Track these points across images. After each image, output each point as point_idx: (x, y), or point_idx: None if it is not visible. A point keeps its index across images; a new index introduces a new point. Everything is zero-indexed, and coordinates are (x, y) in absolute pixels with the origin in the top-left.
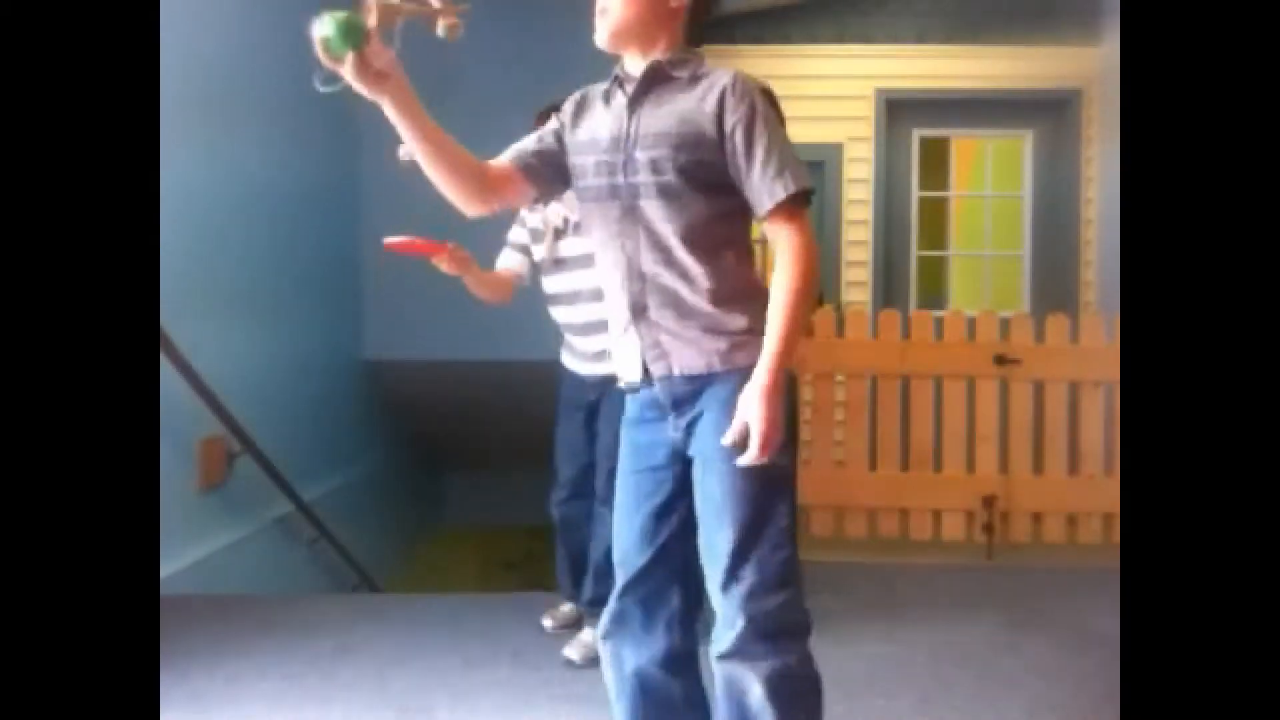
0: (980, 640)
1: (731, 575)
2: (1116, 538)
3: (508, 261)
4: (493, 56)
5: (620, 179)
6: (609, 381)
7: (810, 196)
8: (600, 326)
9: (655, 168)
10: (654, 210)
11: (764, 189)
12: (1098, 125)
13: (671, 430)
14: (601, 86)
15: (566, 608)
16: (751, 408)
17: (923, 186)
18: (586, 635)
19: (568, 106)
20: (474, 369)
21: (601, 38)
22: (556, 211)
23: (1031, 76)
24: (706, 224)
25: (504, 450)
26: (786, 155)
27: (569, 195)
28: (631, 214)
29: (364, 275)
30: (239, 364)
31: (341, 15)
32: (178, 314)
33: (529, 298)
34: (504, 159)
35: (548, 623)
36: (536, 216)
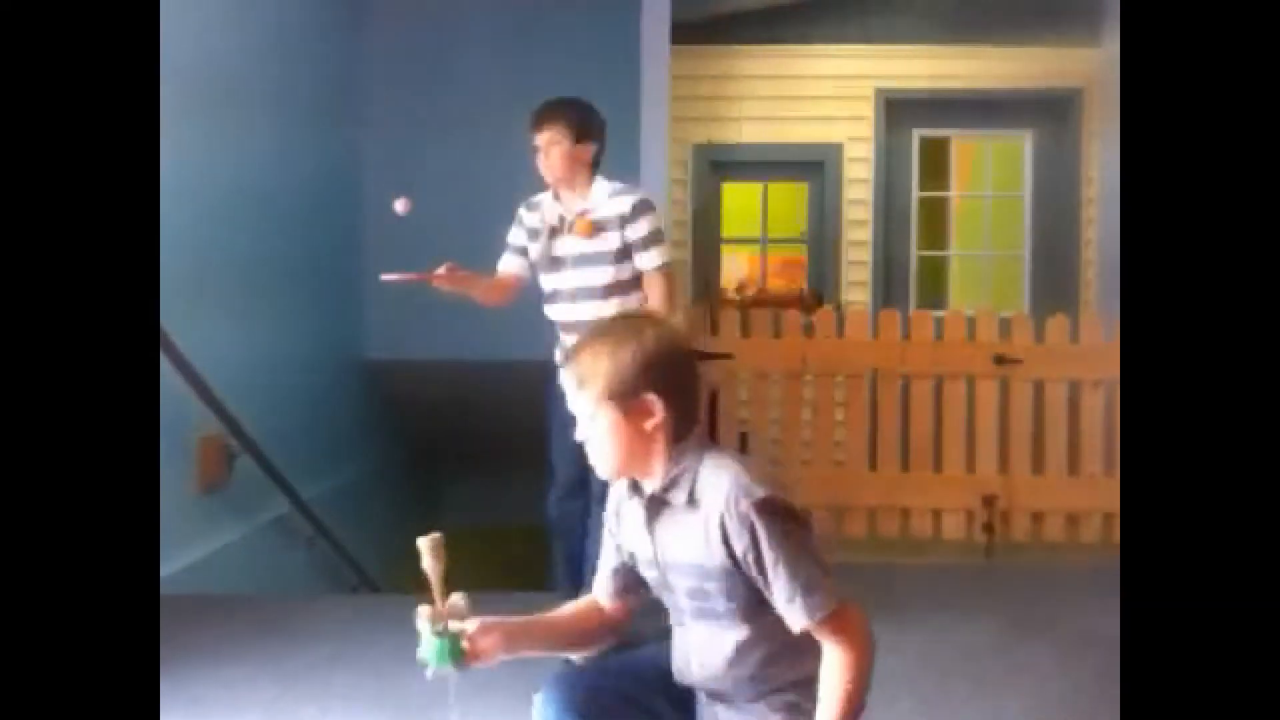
0: (980, 640)
1: None
2: (1116, 538)
3: (508, 265)
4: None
5: (666, 595)
6: None
7: (847, 609)
8: None
9: (691, 594)
10: (703, 630)
11: (794, 616)
12: (1098, 125)
13: None
14: None
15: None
16: None
17: (923, 186)
18: None
19: (610, 514)
20: (474, 369)
21: (603, 473)
22: (553, 210)
23: (1031, 76)
24: (757, 636)
25: (504, 450)
26: (804, 572)
27: (565, 194)
28: (685, 626)
29: (364, 275)
30: (239, 364)
31: (436, 641)
32: (178, 314)
33: (529, 298)
34: (598, 597)
35: None
36: (535, 215)
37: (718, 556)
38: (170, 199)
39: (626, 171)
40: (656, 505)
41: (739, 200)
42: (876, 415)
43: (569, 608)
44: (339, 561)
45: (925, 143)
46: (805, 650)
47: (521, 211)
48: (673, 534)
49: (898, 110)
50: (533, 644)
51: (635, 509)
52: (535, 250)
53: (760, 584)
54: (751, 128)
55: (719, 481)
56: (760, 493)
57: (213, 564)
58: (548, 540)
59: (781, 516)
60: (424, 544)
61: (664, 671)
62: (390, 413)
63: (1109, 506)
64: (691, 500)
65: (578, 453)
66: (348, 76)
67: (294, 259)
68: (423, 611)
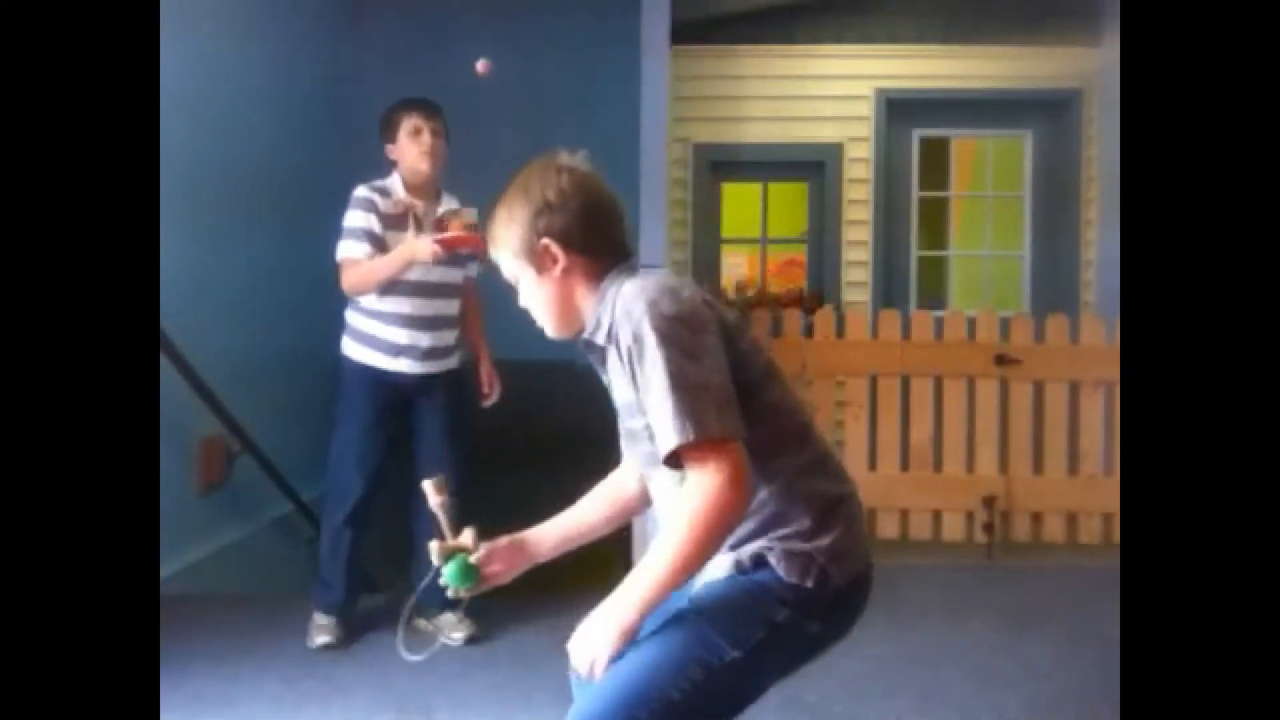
0: (980, 640)
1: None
2: (1116, 538)
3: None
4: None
5: (629, 448)
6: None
7: (708, 433)
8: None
9: (633, 437)
10: (659, 480)
11: (661, 440)
12: (1098, 125)
13: None
14: None
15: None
16: (585, 625)
17: (923, 186)
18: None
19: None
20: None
21: (550, 332)
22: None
23: (1031, 76)
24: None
25: (504, 450)
26: (678, 395)
27: (427, 188)
28: (650, 479)
29: None
30: (239, 364)
31: (457, 563)
32: (178, 314)
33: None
34: (627, 477)
35: (420, 623)
36: (389, 202)
37: (631, 390)
38: (171, 200)
39: (626, 172)
40: (592, 351)
41: (739, 200)
42: (876, 415)
43: (597, 496)
44: None
45: (925, 143)
46: (769, 501)
47: (376, 198)
48: (612, 377)
49: (898, 110)
50: (556, 549)
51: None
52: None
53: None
54: (751, 128)
55: (617, 313)
56: (642, 309)
57: (213, 564)
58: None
59: (664, 334)
60: (427, 485)
61: None
62: None
63: (1109, 506)
64: (609, 336)
65: (367, 461)
66: (344, 77)
67: (295, 259)
68: (433, 546)
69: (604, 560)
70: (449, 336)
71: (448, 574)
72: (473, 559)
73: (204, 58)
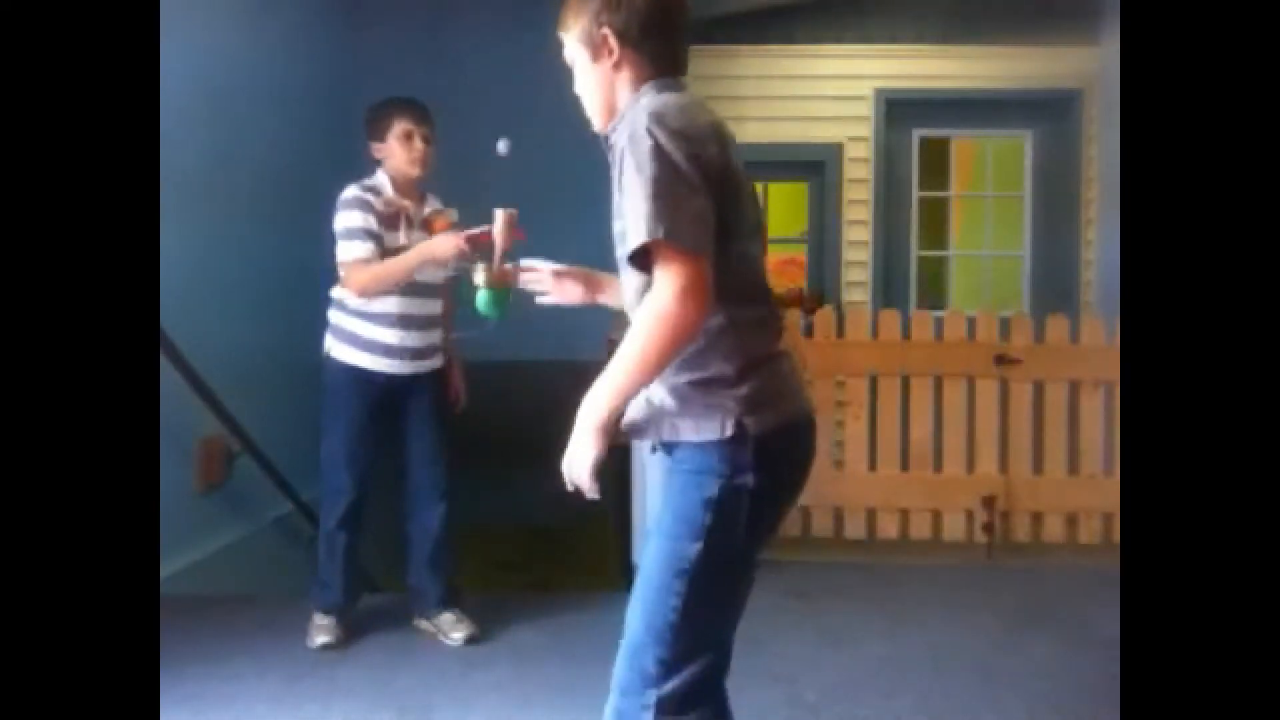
0: (980, 640)
1: (620, 662)
2: (1116, 538)
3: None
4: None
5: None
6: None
7: (681, 242)
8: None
9: (619, 239)
10: (626, 280)
11: (630, 239)
12: (1098, 125)
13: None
14: None
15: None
16: (568, 450)
17: (923, 186)
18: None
19: None
20: (473, 369)
21: (594, 124)
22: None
23: (1031, 76)
24: (642, 293)
25: (504, 450)
26: (657, 201)
27: (413, 190)
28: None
29: None
30: (239, 364)
31: (489, 292)
32: (178, 314)
33: (530, 300)
34: None
35: (421, 623)
36: (380, 201)
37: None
38: (171, 199)
39: None
40: (610, 151)
41: None
42: (876, 415)
43: None
44: None
45: (925, 143)
46: (700, 338)
47: (370, 198)
48: (615, 174)
49: (898, 110)
50: (610, 298)
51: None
52: (394, 240)
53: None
54: (751, 128)
55: (638, 113)
56: (649, 117)
57: (213, 564)
58: (553, 540)
59: (660, 143)
60: (500, 214)
61: None
62: None
63: (1109, 506)
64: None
65: (358, 463)
66: (344, 75)
67: (295, 259)
68: (480, 267)
69: (604, 560)
70: (435, 336)
71: (480, 300)
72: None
73: (204, 56)
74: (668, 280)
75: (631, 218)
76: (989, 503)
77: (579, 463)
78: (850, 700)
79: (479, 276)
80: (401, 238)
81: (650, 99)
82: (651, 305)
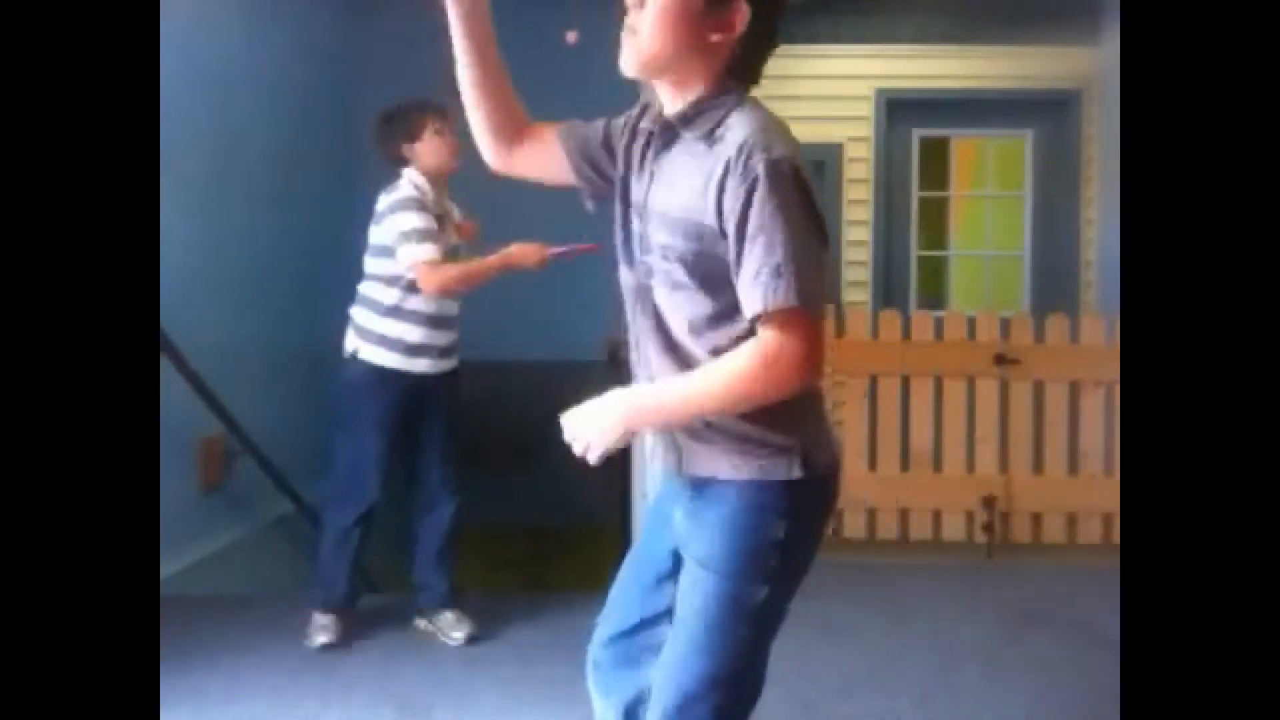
0: (980, 640)
1: (658, 699)
2: (1116, 538)
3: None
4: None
5: (635, 249)
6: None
7: (813, 311)
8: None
9: (664, 253)
10: (662, 297)
11: (751, 295)
12: (1098, 125)
13: (676, 518)
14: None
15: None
16: (589, 407)
17: (923, 186)
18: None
19: (621, 120)
20: (473, 369)
21: (628, 63)
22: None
23: (1031, 76)
24: (716, 320)
25: (504, 451)
26: (785, 253)
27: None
28: (644, 294)
29: None
30: (239, 364)
31: None
32: (178, 314)
33: (530, 300)
34: (549, 125)
35: (420, 623)
36: (429, 201)
37: (708, 210)
38: (171, 199)
39: None
40: (669, 135)
41: None
42: (876, 415)
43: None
44: None
45: (925, 143)
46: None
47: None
48: (675, 176)
49: (898, 110)
50: (488, 46)
51: (639, 141)
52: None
53: (733, 254)
54: None
55: (745, 125)
56: (779, 151)
57: (213, 564)
58: (553, 540)
59: (789, 184)
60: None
61: None
62: None
63: (1109, 506)
64: (711, 136)
65: (385, 465)
66: (346, 71)
67: (296, 259)
68: None
69: (603, 560)
70: (455, 335)
71: None
72: None
73: (204, 52)
74: (789, 346)
75: (755, 269)
76: (989, 503)
77: (592, 443)
78: (850, 700)
79: None
80: (450, 239)
81: (766, 120)
82: (753, 360)
